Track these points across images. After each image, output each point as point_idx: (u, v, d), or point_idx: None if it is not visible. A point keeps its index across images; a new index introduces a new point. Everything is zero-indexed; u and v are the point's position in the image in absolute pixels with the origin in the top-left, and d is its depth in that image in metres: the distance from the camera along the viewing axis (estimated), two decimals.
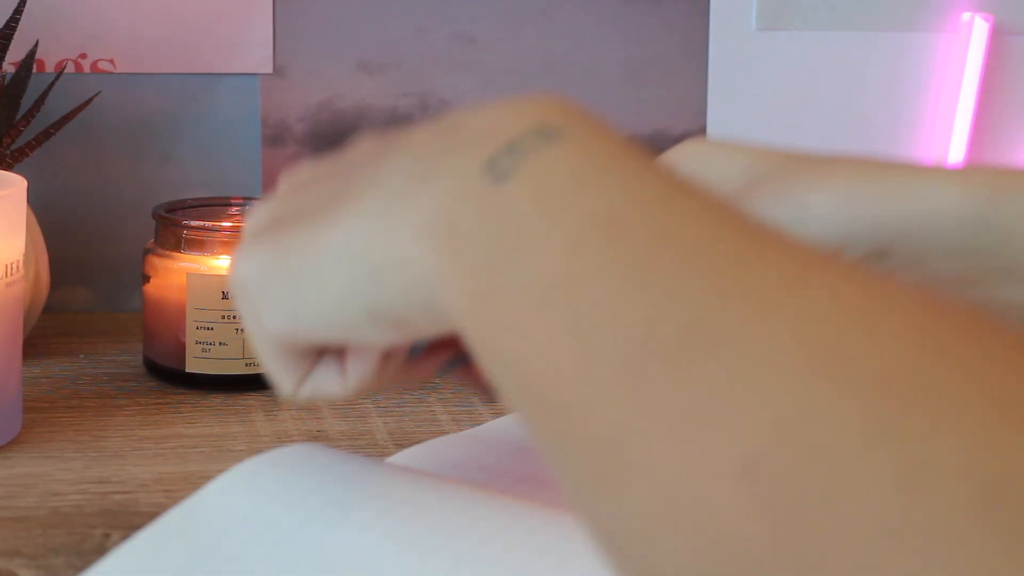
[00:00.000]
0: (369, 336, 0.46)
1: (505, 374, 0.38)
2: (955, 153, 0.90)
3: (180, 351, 0.71)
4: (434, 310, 0.43)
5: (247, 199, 0.77)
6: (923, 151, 0.91)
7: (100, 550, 0.53)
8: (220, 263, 0.71)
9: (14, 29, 0.75)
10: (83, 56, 0.83)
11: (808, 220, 0.51)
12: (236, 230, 0.72)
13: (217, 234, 0.71)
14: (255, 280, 0.47)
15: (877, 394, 0.31)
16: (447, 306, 0.41)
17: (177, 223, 0.72)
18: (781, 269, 0.34)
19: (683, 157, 0.56)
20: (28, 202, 0.64)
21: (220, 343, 0.70)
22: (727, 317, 0.33)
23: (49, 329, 0.79)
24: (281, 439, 0.65)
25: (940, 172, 0.51)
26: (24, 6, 0.75)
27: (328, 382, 0.49)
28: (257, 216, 0.49)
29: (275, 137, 0.86)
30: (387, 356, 0.49)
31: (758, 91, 0.89)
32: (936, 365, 0.31)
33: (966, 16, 0.89)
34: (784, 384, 0.32)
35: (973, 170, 0.52)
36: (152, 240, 0.73)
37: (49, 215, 0.80)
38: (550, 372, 0.36)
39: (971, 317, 0.32)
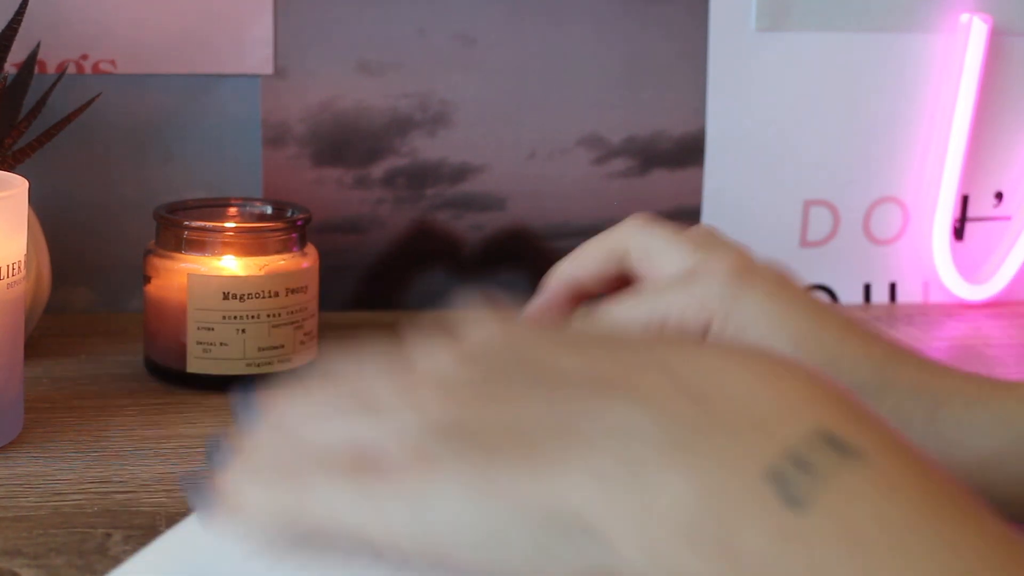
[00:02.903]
0: None
1: None
2: (954, 153, 0.90)
3: (181, 351, 0.71)
4: None
5: (247, 199, 0.77)
6: (922, 152, 0.91)
7: (101, 550, 0.53)
8: (221, 264, 0.71)
9: (16, 30, 0.75)
10: (84, 57, 0.83)
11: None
12: (236, 231, 0.72)
13: (218, 235, 0.71)
14: (448, 515, 0.39)
15: None
16: None
17: (178, 224, 0.72)
18: None
19: (631, 234, 0.57)
20: (29, 203, 0.64)
21: (221, 343, 0.70)
22: None
23: (50, 329, 0.79)
24: None
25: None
26: (26, 7, 0.75)
27: None
28: (429, 410, 0.41)
29: (275, 138, 0.86)
30: None
31: (757, 92, 0.90)
32: None
33: (965, 17, 0.89)
34: None
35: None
36: (153, 241, 0.73)
37: (50, 216, 0.80)
38: None
39: None
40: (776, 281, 0.55)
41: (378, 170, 0.88)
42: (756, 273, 0.55)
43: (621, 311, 0.55)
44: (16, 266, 0.61)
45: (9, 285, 0.61)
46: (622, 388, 0.38)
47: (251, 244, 0.72)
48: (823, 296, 0.93)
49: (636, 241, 0.59)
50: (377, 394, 0.42)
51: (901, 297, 0.93)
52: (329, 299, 0.84)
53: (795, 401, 0.37)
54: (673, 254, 0.57)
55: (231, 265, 0.71)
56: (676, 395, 0.38)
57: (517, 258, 0.90)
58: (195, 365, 0.71)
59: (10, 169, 0.73)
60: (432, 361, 0.43)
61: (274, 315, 0.71)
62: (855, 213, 0.92)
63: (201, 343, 0.71)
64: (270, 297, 0.71)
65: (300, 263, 0.72)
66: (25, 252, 0.62)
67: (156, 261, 0.72)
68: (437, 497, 0.39)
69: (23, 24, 0.75)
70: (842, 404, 0.37)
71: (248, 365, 0.71)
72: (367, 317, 0.87)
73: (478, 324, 0.44)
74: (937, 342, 0.86)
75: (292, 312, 0.72)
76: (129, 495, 0.58)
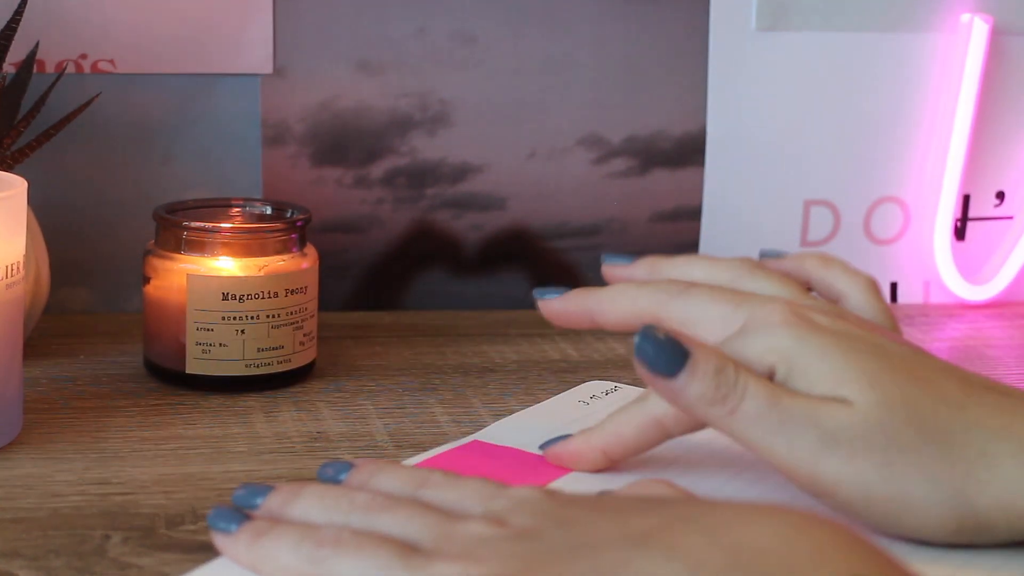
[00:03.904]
0: None
1: None
2: (955, 153, 0.90)
3: (180, 352, 0.71)
4: None
5: (247, 200, 0.77)
6: (923, 151, 0.91)
7: (100, 551, 0.53)
8: (220, 264, 0.71)
9: (15, 30, 0.75)
10: (83, 57, 0.83)
11: None
12: (236, 231, 0.72)
13: (217, 235, 0.71)
14: None
15: None
16: None
17: (177, 224, 0.72)
18: None
19: (664, 304, 0.58)
20: (28, 203, 0.64)
21: (220, 344, 0.70)
22: None
23: (49, 330, 0.79)
24: (281, 440, 0.65)
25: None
26: (24, 7, 0.75)
27: None
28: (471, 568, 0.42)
29: (275, 137, 0.86)
30: None
31: (757, 91, 0.89)
32: None
33: (965, 17, 0.89)
34: None
35: None
36: (152, 241, 0.73)
37: (50, 216, 0.80)
38: None
39: None
40: (833, 320, 0.54)
41: (378, 170, 0.87)
42: (812, 313, 0.54)
43: None
44: (15, 266, 0.61)
45: (8, 285, 0.61)
46: (657, 543, 0.39)
47: (250, 244, 0.71)
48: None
49: (671, 313, 0.59)
50: (419, 535, 0.44)
51: (902, 297, 0.93)
52: (329, 299, 0.84)
53: (829, 551, 0.38)
54: (716, 321, 0.57)
55: (230, 266, 0.71)
56: (710, 548, 0.39)
57: (517, 258, 0.90)
58: (194, 366, 0.71)
59: (9, 169, 0.73)
60: (471, 524, 0.44)
61: (273, 316, 0.71)
62: (855, 213, 0.92)
63: (200, 344, 0.71)
64: (269, 298, 0.71)
65: (300, 263, 0.72)
66: (24, 253, 0.62)
67: (155, 261, 0.72)
68: None
69: (22, 24, 0.75)
70: (873, 554, 0.38)
71: (247, 366, 0.71)
72: (367, 317, 0.86)
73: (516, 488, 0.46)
74: (938, 343, 0.86)
75: (291, 313, 0.72)
76: (128, 497, 0.58)
